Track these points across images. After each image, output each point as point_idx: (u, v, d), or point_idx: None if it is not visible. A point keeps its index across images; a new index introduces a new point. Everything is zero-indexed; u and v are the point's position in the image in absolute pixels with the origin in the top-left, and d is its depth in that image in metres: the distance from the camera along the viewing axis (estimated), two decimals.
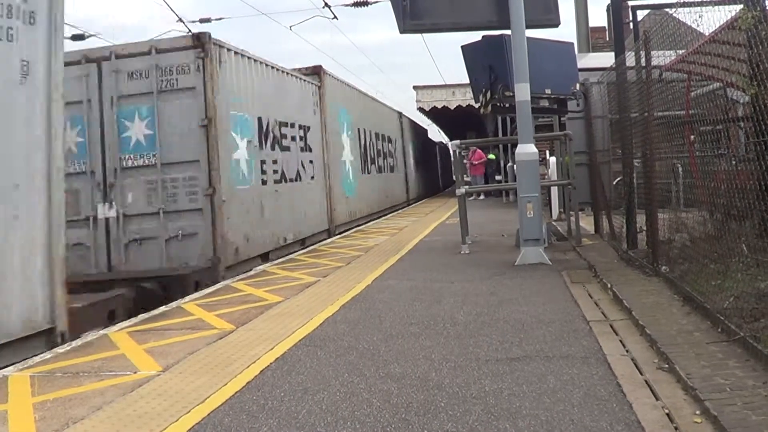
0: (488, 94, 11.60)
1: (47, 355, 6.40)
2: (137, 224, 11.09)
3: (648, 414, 4.08)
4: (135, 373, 5.57)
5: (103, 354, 6.25)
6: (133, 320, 7.86)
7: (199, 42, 11.02)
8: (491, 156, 30.30)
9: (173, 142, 11.01)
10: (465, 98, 29.52)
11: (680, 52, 7.36)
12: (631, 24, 15.36)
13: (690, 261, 7.26)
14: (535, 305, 7.27)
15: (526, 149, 10.19)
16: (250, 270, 11.50)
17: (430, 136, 48.26)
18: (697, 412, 4.02)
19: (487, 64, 11.52)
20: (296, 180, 15.02)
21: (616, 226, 11.02)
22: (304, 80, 16.42)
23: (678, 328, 5.65)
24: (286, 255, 13.37)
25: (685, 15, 6.52)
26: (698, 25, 6.26)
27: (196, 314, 7.84)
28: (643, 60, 8.22)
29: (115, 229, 11.08)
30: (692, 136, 7.90)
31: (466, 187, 13.02)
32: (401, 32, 11.24)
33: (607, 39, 30.04)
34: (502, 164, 28.07)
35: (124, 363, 5.93)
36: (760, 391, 4.12)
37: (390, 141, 27.92)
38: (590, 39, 21.75)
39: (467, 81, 12.90)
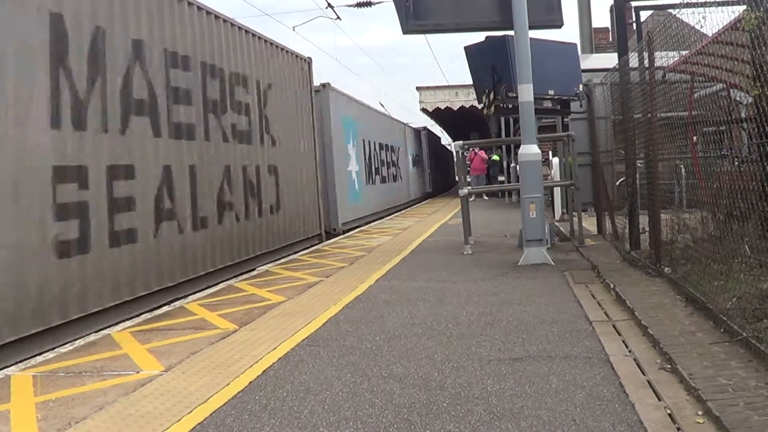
0: (491, 95, 11.62)
1: (50, 354, 6.42)
2: None
3: (650, 414, 4.08)
4: (137, 372, 5.58)
5: (106, 354, 6.26)
6: (136, 320, 7.87)
7: None
8: (495, 157, 30.34)
9: None
10: (468, 99, 29.54)
11: (683, 53, 7.35)
12: (635, 25, 15.36)
13: (693, 262, 7.24)
14: (537, 305, 7.27)
15: (529, 150, 10.19)
16: (253, 270, 11.54)
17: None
18: (700, 413, 4.02)
19: (490, 65, 11.53)
20: None
21: (618, 227, 11.00)
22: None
23: (681, 329, 5.65)
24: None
25: (688, 16, 6.51)
26: (702, 27, 6.25)
27: (199, 314, 7.84)
28: (646, 61, 8.22)
29: None
30: (695, 137, 7.90)
31: (469, 187, 13.00)
32: (404, 33, 11.24)
33: (611, 40, 30.12)
34: (505, 165, 28.11)
35: (126, 363, 5.94)
36: (763, 391, 4.11)
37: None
38: (593, 40, 21.72)
39: (470, 82, 12.91)
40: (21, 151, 7.04)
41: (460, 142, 13.01)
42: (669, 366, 4.88)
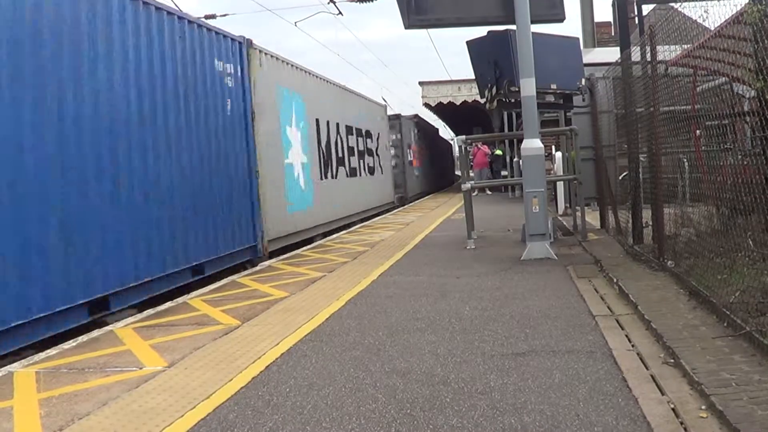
0: (494, 90, 11.58)
1: (52, 351, 6.42)
2: None
3: (654, 409, 4.08)
4: (140, 368, 5.59)
5: (109, 350, 6.27)
6: (139, 316, 7.88)
7: None
8: (498, 151, 30.32)
9: None
10: (471, 94, 29.48)
11: (686, 46, 7.32)
12: (637, 19, 15.31)
13: (696, 256, 7.23)
14: (540, 300, 7.27)
15: (532, 144, 10.17)
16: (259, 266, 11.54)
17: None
18: (703, 407, 4.01)
19: (493, 60, 11.49)
20: None
21: (621, 221, 10.99)
22: None
23: (684, 323, 5.64)
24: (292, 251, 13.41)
25: (690, 9, 6.50)
26: (704, 20, 6.23)
27: (202, 310, 7.85)
28: (648, 55, 8.19)
29: None
30: (698, 131, 7.87)
31: (472, 182, 12.99)
32: (406, 28, 11.21)
33: (613, 34, 29.95)
34: (508, 159, 28.07)
35: (129, 359, 5.94)
36: (766, 385, 4.11)
37: None
38: (596, 34, 21.69)
39: (473, 76, 12.88)
40: None
41: (463, 136, 13.00)
42: (672, 360, 4.88)
